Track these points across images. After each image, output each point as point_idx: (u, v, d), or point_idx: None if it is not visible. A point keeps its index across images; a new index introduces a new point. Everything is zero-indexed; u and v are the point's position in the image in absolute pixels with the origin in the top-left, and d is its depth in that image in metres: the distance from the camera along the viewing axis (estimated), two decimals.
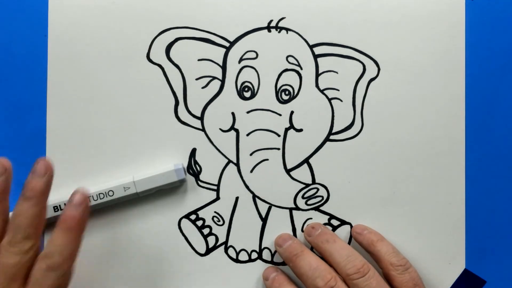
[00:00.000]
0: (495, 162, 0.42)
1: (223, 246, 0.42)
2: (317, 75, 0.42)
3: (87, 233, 0.42)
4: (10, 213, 0.35)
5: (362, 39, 0.42)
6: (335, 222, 0.42)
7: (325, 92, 0.42)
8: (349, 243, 0.42)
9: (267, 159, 0.42)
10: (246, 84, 0.42)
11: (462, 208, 0.42)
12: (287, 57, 0.42)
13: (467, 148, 0.42)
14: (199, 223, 0.42)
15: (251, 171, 0.42)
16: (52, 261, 0.34)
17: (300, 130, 0.42)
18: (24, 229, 0.34)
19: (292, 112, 0.42)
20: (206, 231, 0.42)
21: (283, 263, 0.42)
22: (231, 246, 0.42)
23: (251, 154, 0.42)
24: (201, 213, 0.42)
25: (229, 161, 0.42)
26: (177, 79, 0.42)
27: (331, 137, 0.42)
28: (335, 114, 0.42)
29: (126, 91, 0.42)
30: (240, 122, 0.42)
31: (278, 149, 0.42)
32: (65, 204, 0.40)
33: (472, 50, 0.42)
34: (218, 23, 0.42)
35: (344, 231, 0.42)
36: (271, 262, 0.42)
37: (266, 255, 0.42)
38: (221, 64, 0.42)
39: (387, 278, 0.39)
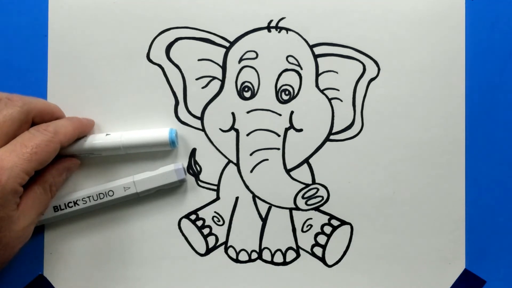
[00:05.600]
0: (495, 162, 0.42)
1: (223, 246, 0.42)
2: (317, 75, 0.42)
3: (88, 233, 0.42)
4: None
5: (362, 39, 0.42)
6: (335, 222, 0.42)
7: (325, 92, 0.42)
8: (349, 243, 0.42)
9: (267, 159, 0.42)
10: (246, 84, 0.42)
11: (462, 208, 0.42)
12: (287, 57, 0.42)
13: (467, 148, 0.42)
14: (199, 223, 0.42)
15: (251, 171, 0.42)
16: (47, 127, 0.37)
17: (300, 130, 0.42)
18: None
19: (292, 112, 0.42)
20: (206, 231, 0.42)
21: (283, 263, 0.42)
22: (231, 246, 0.42)
23: (251, 154, 0.42)
24: (201, 213, 0.42)
25: (229, 161, 0.42)
26: (177, 79, 0.42)
27: (331, 137, 0.42)
28: (335, 114, 0.42)
29: (126, 91, 0.42)
30: (240, 122, 0.42)
31: (278, 149, 0.42)
32: (65, 204, 0.40)
33: (472, 50, 0.42)
34: (218, 23, 0.42)
35: (344, 231, 0.42)
36: (271, 262, 0.42)
37: (266, 255, 0.42)
38: (221, 64, 0.42)
39: None
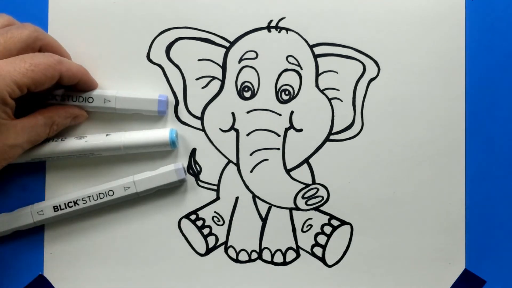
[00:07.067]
0: (495, 162, 0.42)
1: (223, 246, 0.42)
2: (317, 75, 0.42)
3: (88, 233, 0.42)
4: None
5: (362, 39, 0.42)
6: (335, 222, 0.42)
7: (325, 92, 0.42)
8: (349, 243, 0.42)
9: (267, 159, 0.42)
10: (246, 84, 0.42)
11: (462, 208, 0.42)
12: (287, 57, 0.42)
13: (467, 148, 0.42)
14: (199, 223, 0.42)
15: (251, 171, 0.42)
16: (53, 55, 0.37)
17: (300, 130, 0.42)
18: None
19: (292, 112, 0.42)
20: (206, 231, 0.42)
21: (283, 263, 0.42)
22: (231, 246, 0.42)
23: (251, 154, 0.42)
24: (201, 213, 0.42)
25: (229, 161, 0.42)
26: (177, 79, 0.42)
27: (331, 137, 0.42)
28: (335, 114, 0.42)
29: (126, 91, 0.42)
30: (240, 122, 0.42)
31: (278, 149, 0.42)
32: (65, 204, 0.40)
33: (472, 50, 0.42)
34: (218, 23, 0.42)
35: (344, 231, 0.42)
36: (271, 262, 0.42)
37: (266, 255, 0.42)
38: (221, 64, 0.42)
39: None
